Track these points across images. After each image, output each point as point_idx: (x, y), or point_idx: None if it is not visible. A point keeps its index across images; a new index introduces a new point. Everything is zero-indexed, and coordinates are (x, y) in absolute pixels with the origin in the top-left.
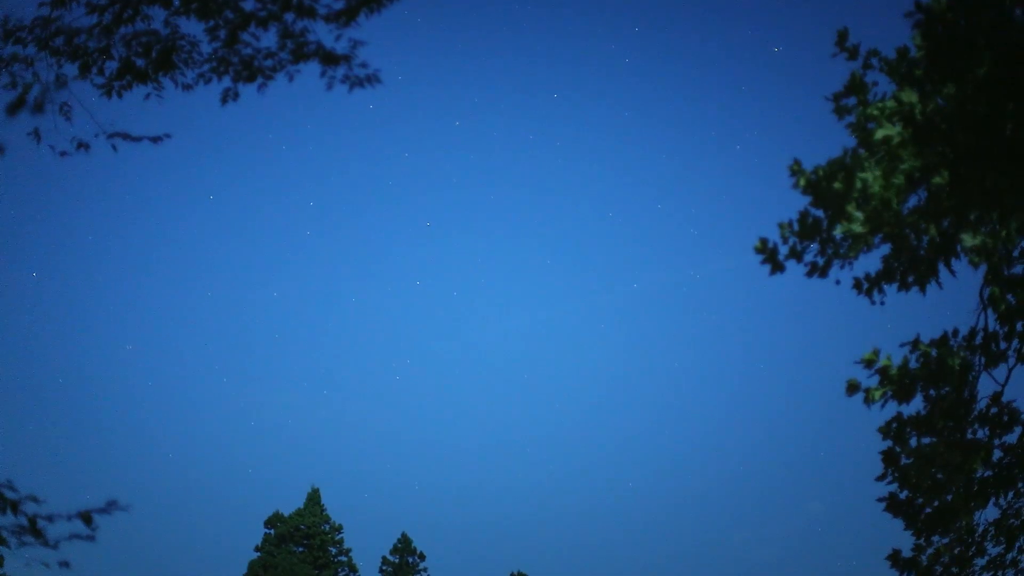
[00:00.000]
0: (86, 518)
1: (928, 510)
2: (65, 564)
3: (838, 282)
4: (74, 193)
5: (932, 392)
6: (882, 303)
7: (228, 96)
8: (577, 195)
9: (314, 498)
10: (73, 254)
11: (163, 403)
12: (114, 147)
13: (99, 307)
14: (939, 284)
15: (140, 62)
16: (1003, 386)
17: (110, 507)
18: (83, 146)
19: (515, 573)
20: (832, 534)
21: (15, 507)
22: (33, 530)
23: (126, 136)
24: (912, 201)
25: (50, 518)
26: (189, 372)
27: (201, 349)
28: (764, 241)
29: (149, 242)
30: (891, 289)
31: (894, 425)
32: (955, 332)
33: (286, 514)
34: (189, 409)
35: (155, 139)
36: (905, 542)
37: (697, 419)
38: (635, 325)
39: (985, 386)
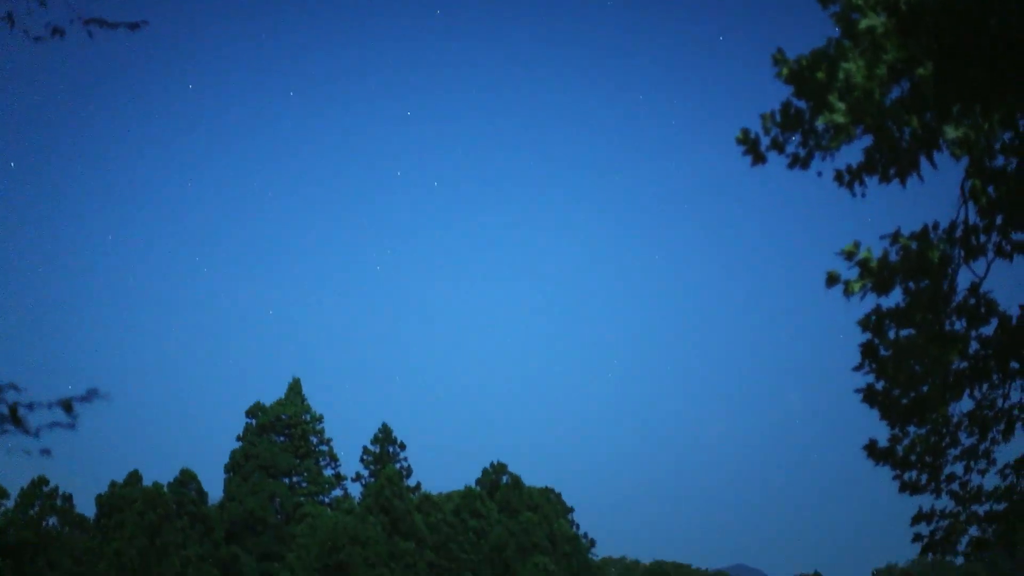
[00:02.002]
0: (67, 406)
1: (904, 401)
2: (46, 452)
3: (819, 174)
4: (51, 79)
5: (911, 285)
6: (863, 195)
7: None
8: (567, 87)
9: (295, 388)
10: (53, 145)
11: (144, 293)
12: (89, 33)
13: (80, 197)
14: (920, 177)
15: None
16: (982, 279)
17: (91, 395)
18: (58, 32)
19: (494, 463)
20: (810, 425)
21: None
22: (14, 418)
23: (102, 23)
24: (895, 93)
25: (31, 406)
26: (171, 263)
27: (183, 241)
28: (746, 132)
29: (130, 132)
30: (872, 181)
31: (873, 317)
32: (935, 225)
33: (267, 404)
34: (170, 300)
35: (132, 25)
36: (881, 433)
37: (676, 311)
38: (616, 219)
39: (964, 279)
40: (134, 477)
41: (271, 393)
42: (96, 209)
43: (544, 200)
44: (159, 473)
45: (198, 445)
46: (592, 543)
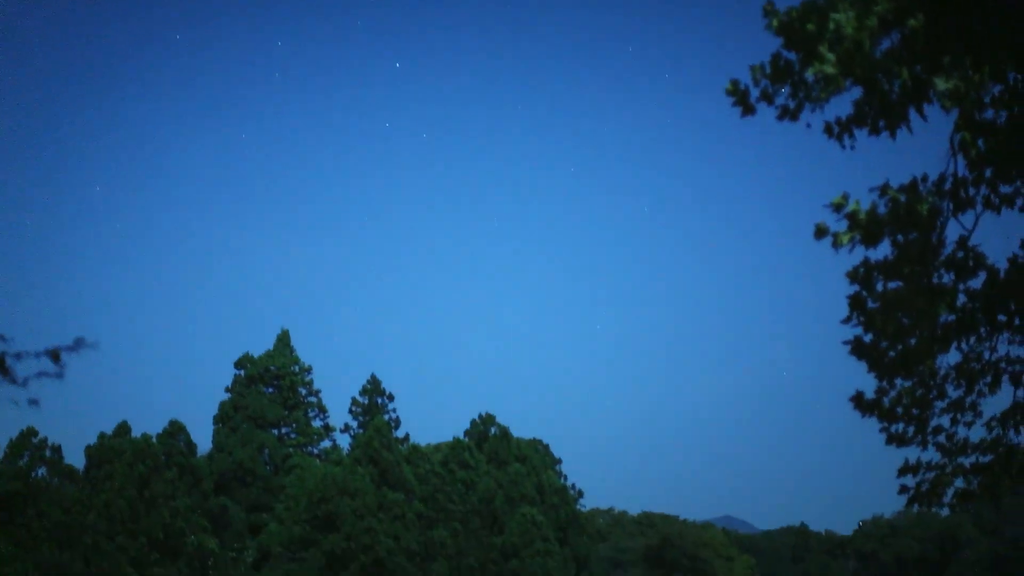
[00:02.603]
0: (54, 356)
1: (892, 354)
2: (34, 402)
3: (809, 125)
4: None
5: (900, 237)
6: (852, 147)
7: None
8: (555, 32)
9: (284, 340)
10: (38, 88)
11: (132, 244)
12: None
13: (67, 143)
14: (910, 129)
15: None
16: (970, 231)
17: (78, 345)
18: None
19: (483, 414)
20: (797, 377)
21: None
22: (1, 368)
23: None
24: (885, 44)
25: (19, 356)
26: (159, 214)
27: (173, 192)
28: (735, 83)
29: (119, 78)
30: (862, 133)
31: (861, 270)
32: (924, 178)
33: (256, 355)
34: (158, 250)
35: None
36: (869, 385)
37: (664, 265)
38: (604, 169)
39: (953, 232)
40: (123, 428)
41: (260, 344)
42: (84, 158)
43: (533, 152)
44: (148, 424)
45: (187, 396)
46: (580, 494)
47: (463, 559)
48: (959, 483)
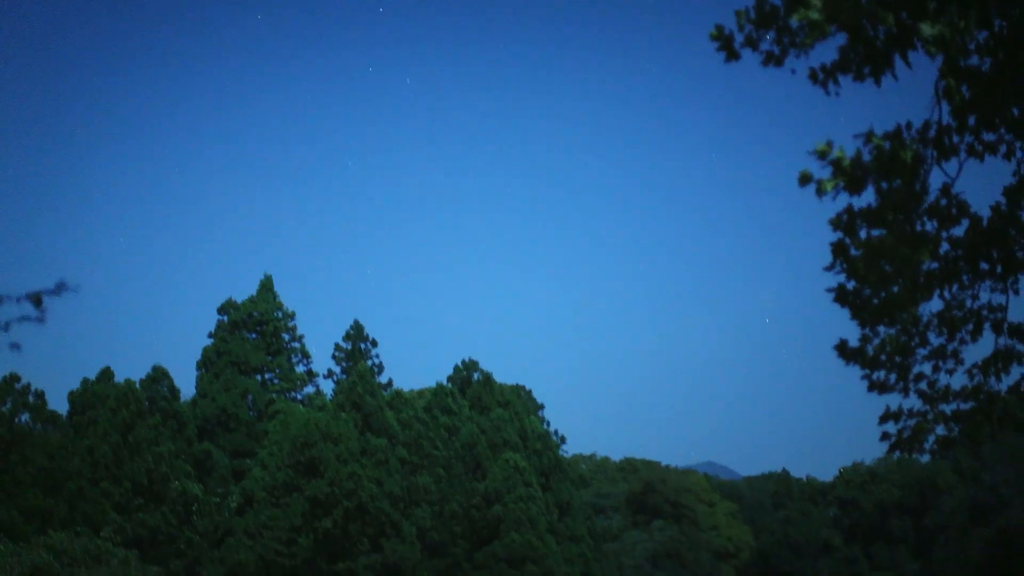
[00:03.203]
0: (36, 300)
1: (875, 301)
2: (16, 347)
3: (793, 71)
4: None
5: (883, 184)
6: (837, 94)
7: None
8: None
9: (267, 285)
10: (27, 36)
11: (113, 186)
12: None
13: (51, 88)
14: (894, 76)
15: None
16: (954, 179)
17: (60, 289)
18: None
19: (466, 360)
20: (782, 324)
21: None
22: None
23: None
24: None
25: None
26: (140, 156)
27: (157, 136)
28: (720, 28)
29: (107, 32)
30: (846, 80)
31: (845, 217)
32: (908, 125)
33: (239, 301)
34: (140, 193)
35: None
36: (852, 332)
37: (648, 211)
38: (589, 120)
39: (936, 179)
40: (106, 374)
41: (243, 290)
42: (67, 102)
43: (519, 95)
44: (131, 370)
45: (170, 342)
46: (563, 440)
47: (446, 504)
48: (940, 430)
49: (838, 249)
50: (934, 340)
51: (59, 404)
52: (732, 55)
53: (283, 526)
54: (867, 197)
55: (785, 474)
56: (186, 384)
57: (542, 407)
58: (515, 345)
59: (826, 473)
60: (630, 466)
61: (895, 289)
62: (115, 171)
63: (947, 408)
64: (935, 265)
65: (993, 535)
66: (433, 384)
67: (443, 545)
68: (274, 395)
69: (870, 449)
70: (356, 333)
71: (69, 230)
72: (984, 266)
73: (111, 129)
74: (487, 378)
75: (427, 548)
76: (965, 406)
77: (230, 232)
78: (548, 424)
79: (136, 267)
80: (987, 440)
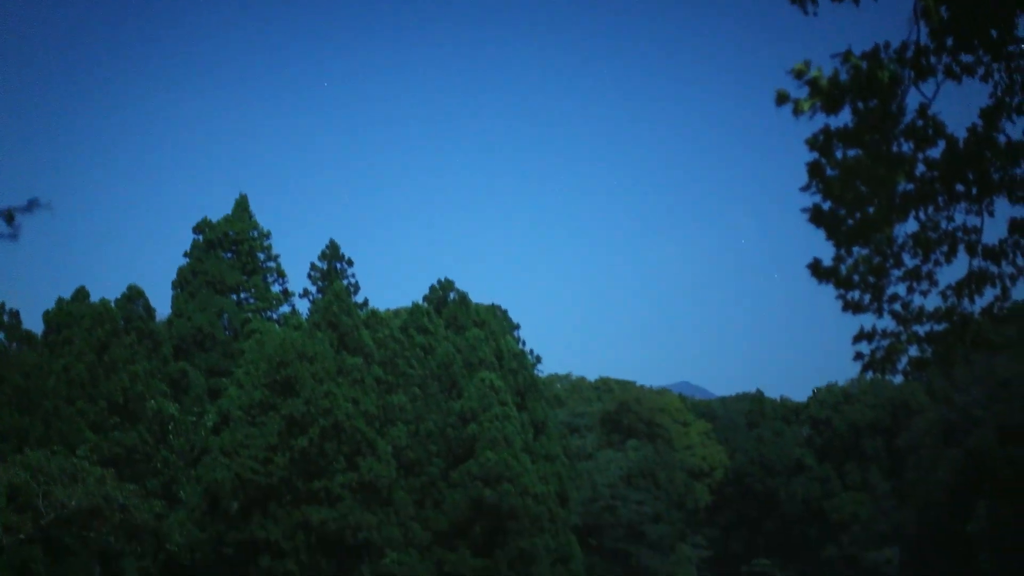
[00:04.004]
0: (8, 217)
1: (850, 222)
2: None
3: None
4: None
5: (860, 105)
6: (815, 14)
7: None
8: None
9: (242, 204)
10: None
11: (87, 102)
12: None
13: (22, 7)
14: None
15: None
16: (930, 100)
17: (32, 206)
18: None
19: (442, 280)
20: (756, 244)
21: None
22: None
23: None
24: None
25: None
26: (116, 75)
27: (130, 51)
28: None
29: None
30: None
31: (821, 137)
32: (887, 45)
33: (214, 220)
34: (114, 110)
35: None
36: (827, 253)
37: (623, 128)
38: (558, 34)
39: (913, 100)
40: (81, 294)
41: (218, 209)
42: (43, 25)
43: (499, 20)
44: (106, 290)
45: (145, 262)
46: (538, 360)
47: (422, 423)
48: (913, 351)
49: (814, 169)
50: (908, 261)
51: (34, 324)
52: None
53: (259, 445)
54: (844, 117)
55: (759, 394)
56: (161, 304)
57: (518, 327)
58: (491, 265)
59: (800, 393)
60: (605, 386)
61: (870, 210)
62: (89, 89)
63: (920, 329)
64: (911, 186)
65: (963, 456)
66: (409, 304)
67: (419, 463)
68: (250, 314)
69: (844, 370)
70: (332, 252)
71: (42, 148)
72: (960, 188)
73: (87, 48)
74: (463, 298)
75: (403, 466)
76: (938, 327)
77: (205, 151)
78: (523, 344)
79: (111, 186)
80: (960, 361)
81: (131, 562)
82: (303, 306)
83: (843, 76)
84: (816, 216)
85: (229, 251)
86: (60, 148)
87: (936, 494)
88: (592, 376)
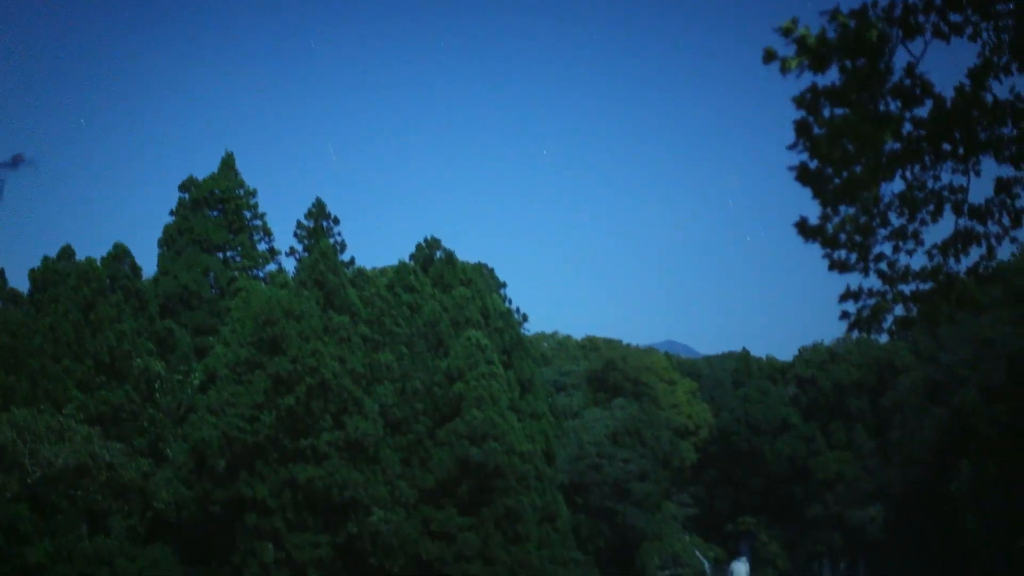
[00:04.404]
0: None
1: (836, 180)
2: None
3: None
4: None
5: (848, 63)
6: None
7: None
8: None
9: (228, 163)
10: None
11: (70, 58)
12: None
13: None
14: None
15: None
16: (918, 59)
17: (16, 162)
18: None
19: (428, 238)
20: (745, 204)
21: None
22: None
23: None
24: None
25: None
26: (101, 30)
27: (115, 7)
28: None
29: None
30: None
31: (808, 95)
32: (874, 3)
33: (200, 179)
34: (98, 66)
35: None
36: (814, 212)
37: (613, 88)
38: (558, 4)
39: (901, 59)
40: (67, 252)
41: (204, 167)
42: None
43: None
44: (92, 248)
45: (131, 220)
46: (524, 318)
47: (408, 381)
48: (899, 310)
49: (801, 128)
50: (895, 220)
51: (19, 282)
52: None
53: (246, 403)
54: (831, 76)
55: (745, 353)
56: (148, 262)
57: (504, 285)
58: (478, 224)
59: (786, 352)
60: (591, 344)
61: (857, 169)
62: (73, 45)
63: (906, 288)
64: (897, 145)
65: (948, 415)
66: (395, 262)
67: (405, 422)
68: (236, 273)
69: (829, 329)
70: (318, 211)
71: (25, 105)
72: (946, 147)
73: (72, 4)
74: (449, 256)
75: (389, 425)
76: (924, 286)
77: (192, 109)
78: (510, 302)
79: (96, 144)
80: (945, 321)
81: (118, 520)
82: (289, 264)
83: (831, 34)
84: (803, 175)
85: (215, 209)
86: (44, 105)
87: (921, 453)
88: (578, 335)
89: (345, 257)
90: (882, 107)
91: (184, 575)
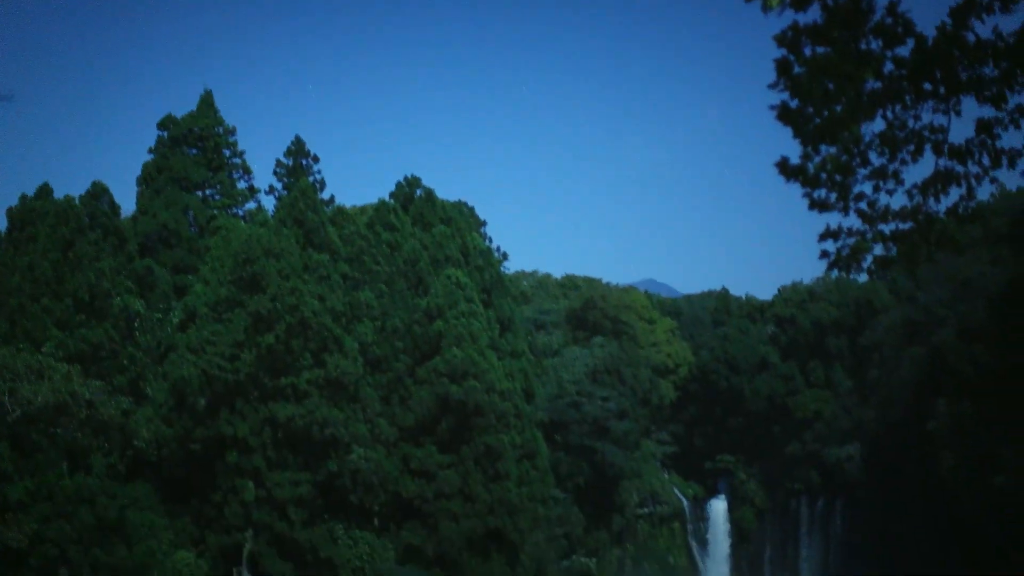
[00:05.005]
0: None
1: (817, 119)
2: None
3: None
4: None
5: (829, 1)
6: None
7: None
8: None
9: (207, 100)
10: None
11: None
12: None
13: None
14: None
15: None
16: None
17: None
18: None
19: (408, 176)
20: (725, 143)
21: None
22: None
23: None
24: None
25: None
26: None
27: None
28: None
29: None
30: None
31: (790, 33)
32: None
33: (179, 117)
34: (77, 2)
35: None
36: (794, 150)
37: (596, 23)
38: None
39: None
40: (45, 190)
41: (183, 106)
42: None
43: None
44: (70, 186)
45: (109, 159)
46: (504, 257)
47: (388, 320)
48: (878, 250)
49: (782, 66)
50: (875, 160)
51: None
52: None
53: (226, 341)
54: (813, 14)
55: (725, 292)
56: (126, 201)
57: (484, 224)
58: (458, 162)
59: (765, 292)
60: (571, 283)
61: (838, 108)
62: None
63: (886, 228)
64: (878, 84)
65: (926, 354)
66: (375, 200)
67: (385, 360)
68: (215, 211)
69: (809, 268)
70: (297, 149)
71: (3, 41)
72: (927, 87)
73: None
74: (429, 194)
75: (369, 363)
76: (904, 226)
77: (171, 47)
78: (490, 241)
79: (75, 83)
80: (924, 261)
81: (98, 458)
82: (269, 203)
83: None
84: (784, 113)
85: (194, 148)
86: (21, 42)
87: (898, 392)
88: (558, 273)
89: (325, 195)
90: (863, 46)
91: (165, 513)
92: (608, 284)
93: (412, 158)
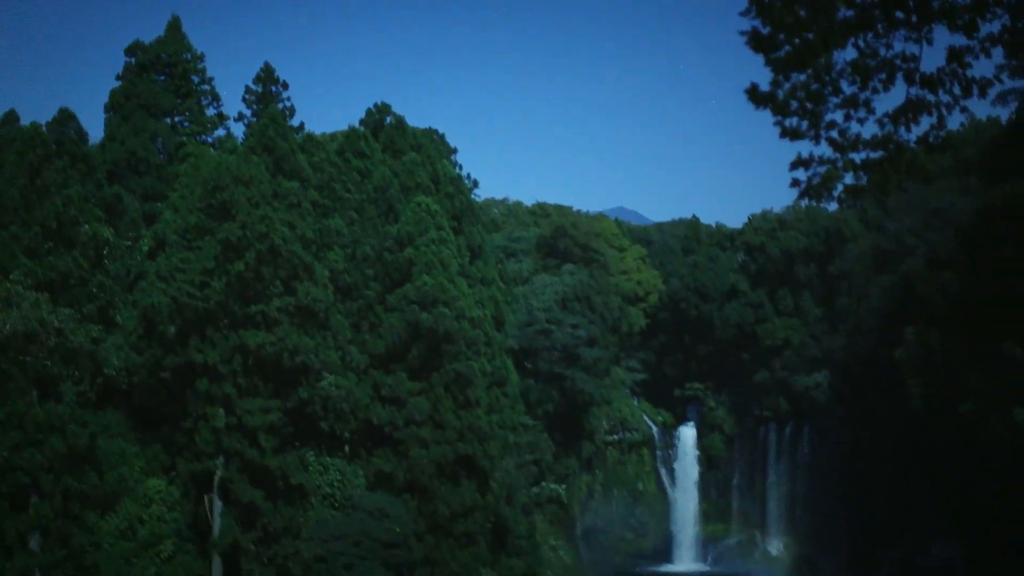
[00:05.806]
0: None
1: (788, 47)
2: None
3: None
4: None
5: None
6: None
7: None
8: None
9: (175, 26)
10: None
11: None
12: None
13: None
14: None
15: None
16: None
17: None
18: None
19: (378, 103)
20: (695, 71)
21: None
22: None
23: None
24: None
25: None
26: None
27: None
28: None
29: None
30: None
31: None
32: None
33: (147, 43)
34: None
35: None
36: (764, 78)
37: None
38: None
39: None
40: (11, 117)
41: (150, 31)
42: None
43: None
44: (37, 113)
45: (76, 85)
46: (475, 184)
47: (358, 247)
48: (849, 179)
49: None
50: (846, 88)
51: None
52: None
53: (195, 269)
54: None
55: (695, 220)
56: (94, 128)
57: (455, 151)
58: (428, 88)
59: (735, 220)
60: (541, 211)
61: (809, 35)
62: None
63: (856, 157)
64: (850, 12)
65: (895, 282)
66: (345, 127)
67: (355, 287)
68: (184, 138)
69: (779, 197)
70: (266, 75)
71: None
72: (899, 15)
73: None
74: (399, 121)
75: (340, 291)
76: (874, 155)
77: None
78: (460, 168)
79: (41, 7)
80: (894, 189)
81: (68, 386)
82: (238, 130)
83: None
84: (755, 41)
85: (162, 74)
86: None
87: (867, 320)
88: (529, 201)
89: (295, 122)
90: None
91: (136, 441)
92: (579, 212)
93: (383, 85)
